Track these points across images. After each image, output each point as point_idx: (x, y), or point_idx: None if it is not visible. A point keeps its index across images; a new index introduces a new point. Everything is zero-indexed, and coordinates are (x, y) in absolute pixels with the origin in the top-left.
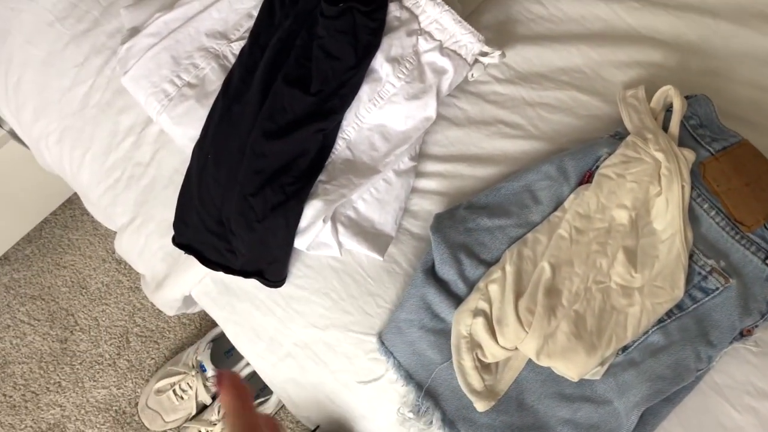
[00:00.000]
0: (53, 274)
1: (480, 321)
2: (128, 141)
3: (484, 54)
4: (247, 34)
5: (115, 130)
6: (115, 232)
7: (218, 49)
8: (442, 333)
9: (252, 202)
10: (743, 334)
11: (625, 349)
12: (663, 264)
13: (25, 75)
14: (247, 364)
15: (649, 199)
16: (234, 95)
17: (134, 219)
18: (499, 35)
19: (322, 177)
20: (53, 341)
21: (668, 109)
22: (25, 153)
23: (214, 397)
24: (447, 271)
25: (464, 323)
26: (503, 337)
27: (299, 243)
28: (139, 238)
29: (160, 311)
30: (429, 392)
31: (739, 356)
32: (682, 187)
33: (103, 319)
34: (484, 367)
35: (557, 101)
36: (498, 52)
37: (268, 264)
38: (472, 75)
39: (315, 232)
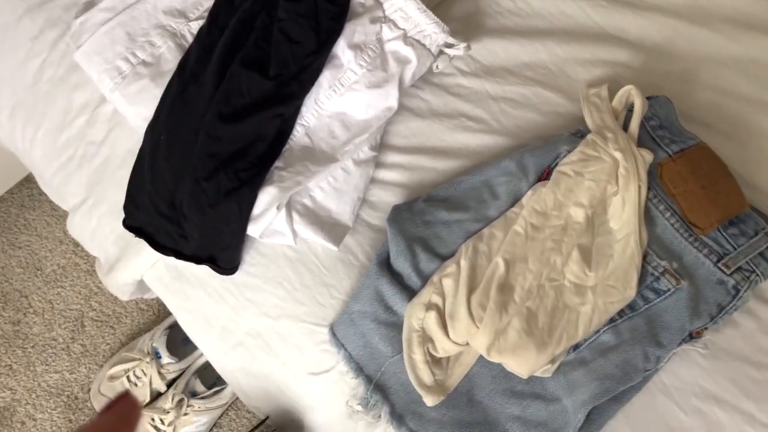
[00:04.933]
0: (7, 254)
1: (432, 315)
2: (81, 119)
3: (449, 45)
4: (206, 14)
5: (68, 107)
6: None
7: (176, 27)
8: (394, 326)
9: (205, 186)
10: (693, 336)
11: (576, 347)
12: (617, 263)
13: None
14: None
15: (606, 198)
16: (190, 76)
17: (86, 200)
18: (467, 27)
19: (278, 163)
20: (5, 323)
21: (629, 109)
22: None
23: (168, 385)
24: (402, 264)
25: (416, 317)
26: (454, 332)
27: (252, 230)
28: (90, 219)
29: (115, 297)
30: (378, 385)
31: (688, 358)
32: (639, 187)
33: (58, 302)
34: (434, 362)
35: (521, 96)
36: (463, 45)
37: (221, 250)
38: (437, 66)
39: (269, 220)
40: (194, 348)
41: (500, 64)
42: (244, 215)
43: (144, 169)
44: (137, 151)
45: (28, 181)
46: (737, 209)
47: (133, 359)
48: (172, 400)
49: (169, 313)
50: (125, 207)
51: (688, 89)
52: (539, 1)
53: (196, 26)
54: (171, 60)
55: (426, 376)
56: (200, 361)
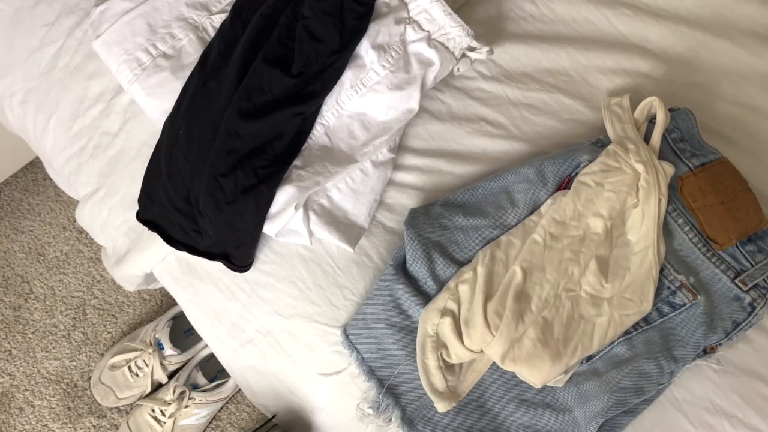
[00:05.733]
0: (10, 239)
1: (447, 321)
2: (96, 108)
3: (471, 49)
4: (229, 8)
5: (83, 96)
6: (79, 201)
7: (198, 20)
8: (408, 330)
9: (222, 183)
10: (706, 352)
11: (589, 358)
12: (634, 276)
13: None
14: (206, 345)
15: (626, 210)
16: (211, 70)
17: (98, 190)
18: (489, 31)
19: (297, 162)
20: (6, 308)
21: (651, 120)
22: None
23: (170, 377)
24: (418, 268)
25: (431, 322)
26: (469, 339)
27: (269, 229)
28: (102, 210)
29: (119, 286)
30: (390, 389)
31: (701, 373)
32: (659, 200)
33: (60, 288)
34: (447, 368)
35: (541, 103)
36: (486, 48)
37: (235, 248)
38: (458, 69)
39: (286, 219)
40: (196, 340)
41: (521, 70)
42: (260, 213)
43: (160, 162)
44: (152, 144)
45: (33, 165)
46: (756, 226)
47: (135, 349)
48: (174, 391)
49: (173, 305)
50: (140, 200)
51: (710, 102)
52: (563, 7)
53: (218, 20)
54: (192, 53)
55: (439, 381)
56: (202, 354)
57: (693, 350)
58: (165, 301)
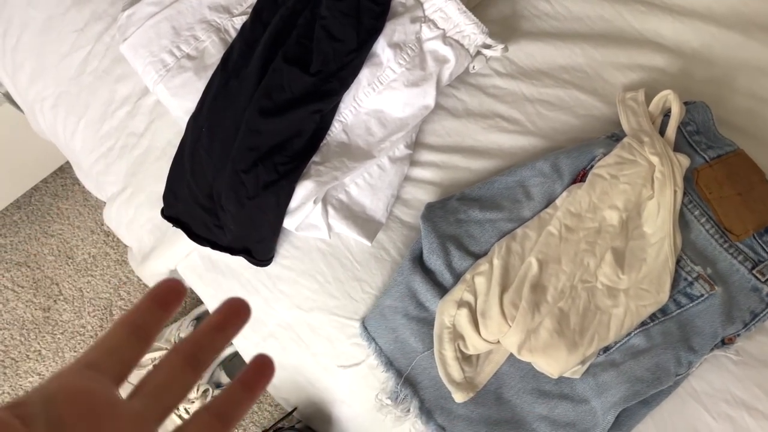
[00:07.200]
0: (40, 242)
1: (464, 312)
2: (123, 110)
3: (486, 46)
4: (249, 9)
5: (110, 99)
6: (105, 204)
7: (220, 22)
8: (425, 322)
9: (244, 179)
10: (725, 342)
11: (606, 349)
12: (650, 267)
13: (23, 37)
14: (230, 343)
15: (641, 201)
16: (232, 70)
17: (125, 189)
18: (504, 29)
19: (315, 158)
20: (36, 309)
21: (666, 114)
22: (19, 117)
23: None
24: (434, 261)
25: (448, 313)
26: (486, 329)
27: (289, 223)
28: (128, 208)
29: (145, 286)
30: (408, 380)
31: (720, 364)
32: (675, 192)
33: (88, 290)
34: (465, 359)
35: (557, 99)
36: (501, 46)
37: (256, 242)
38: (474, 67)
39: (305, 213)
40: None
41: (536, 67)
42: (281, 208)
43: (184, 159)
44: (177, 143)
45: (62, 171)
46: None
47: (160, 348)
48: (197, 389)
49: (196, 305)
50: (164, 197)
51: (725, 96)
52: (577, 4)
53: (239, 21)
54: (214, 54)
55: (456, 372)
56: (225, 353)
57: (711, 341)
58: (188, 302)
